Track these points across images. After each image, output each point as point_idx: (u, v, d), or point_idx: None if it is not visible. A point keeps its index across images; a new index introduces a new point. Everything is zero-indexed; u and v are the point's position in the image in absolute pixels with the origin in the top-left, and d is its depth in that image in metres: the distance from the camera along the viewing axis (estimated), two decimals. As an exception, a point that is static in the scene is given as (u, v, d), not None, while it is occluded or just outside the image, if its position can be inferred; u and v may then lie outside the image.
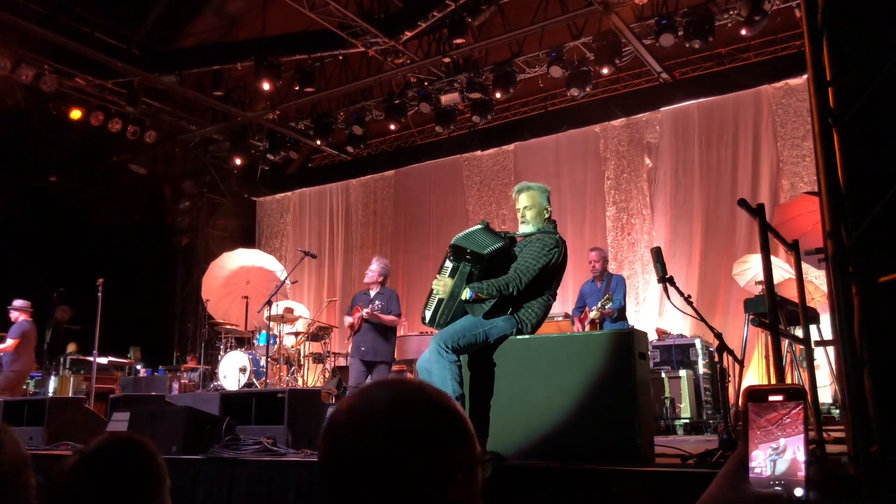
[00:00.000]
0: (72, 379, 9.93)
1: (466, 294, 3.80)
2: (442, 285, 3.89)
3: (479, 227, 4.05)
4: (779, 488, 0.90)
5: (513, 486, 3.23)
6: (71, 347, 11.20)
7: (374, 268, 7.38)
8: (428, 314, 3.98)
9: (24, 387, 10.20)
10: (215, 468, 4.01)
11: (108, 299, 8.22)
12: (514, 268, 3.83)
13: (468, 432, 1.01)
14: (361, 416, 0.98)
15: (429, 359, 3.78)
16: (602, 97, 10.52)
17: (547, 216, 4.12)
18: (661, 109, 10.26)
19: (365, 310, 7.12)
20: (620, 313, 7.05)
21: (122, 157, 12.47)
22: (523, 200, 4.10)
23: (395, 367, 9.73)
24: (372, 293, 7.30)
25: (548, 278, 3.93)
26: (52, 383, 9.78)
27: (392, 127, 11.02)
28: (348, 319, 7.36)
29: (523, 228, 4.09)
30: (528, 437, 3.67)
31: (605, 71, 9.37)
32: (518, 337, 3.94)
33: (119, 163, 12.54)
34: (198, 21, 11.29)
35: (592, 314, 6.96)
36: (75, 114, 10.76)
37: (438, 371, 3.67)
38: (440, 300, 3.91)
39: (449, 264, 3.94)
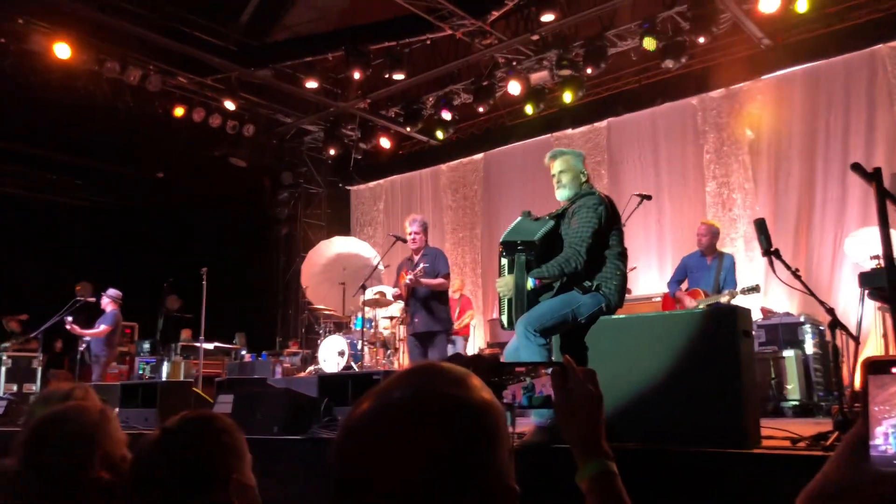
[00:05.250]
0: (182, 364, 10.46)
1: (530, 283, 3.74)
2: (504, 284, 3.84)
3: (520, 218, 3.99)
4: None
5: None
6: (185, 334, 11.80)
7: (415, 229, 6.55)
8: (504, 318, 3.91)
9: (141, 372, 10.84)
10: (314, 448, 4.10)
11: (214, 288, 8.57)
12: (568, 243, 3.73)
13: (496, 435, 0.88)
14: (367, 432, 0.85)
15: (516, 347, 3.71)
16: (698, 67, 10.06)
17: (584, 179, 4.02)
18: (763, 78, 9.74)
19: (408, 277, 6.32)
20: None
21: (222, 151, 12.96)
22: (557, 165, 4.02)
23: (487, 351, 9.73)
24: (416, 257, 6.57)
25: (607, 242, 3.79)
26: (165, 368, 10.33)
27: (480, 109, 10.95)
28: (394, 291, 6.71)
29: (560, 194, 4.01)
30: (627, 420, 3.56)
31: (701, 40, 8.98)
32: (613, 317, 3.83)
33: (220, 157, 13.04)
34: (290, 14, 11.56)
35: (724, 299, 6.73)
36: (178, 111, 11.24)
37: (527, 356, 3.60)
38: (508, 300, 3.83)
39: (504, 261, 3.89)
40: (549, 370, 1.17)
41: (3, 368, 9.57)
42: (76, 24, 9.64)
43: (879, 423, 0.83)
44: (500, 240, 3.92)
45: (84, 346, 9.80)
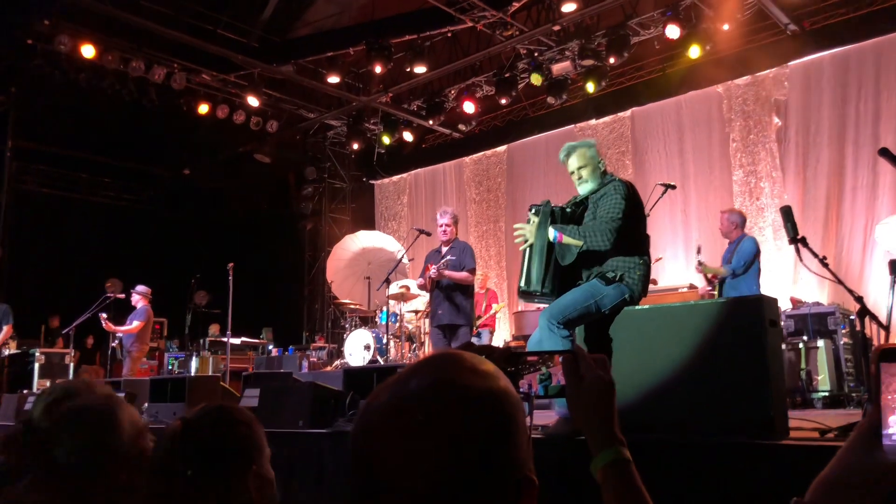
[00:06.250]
0: (211, 359, 10.58)
1: (552, 234, 3.71)
2: (526, 229, 3.82)
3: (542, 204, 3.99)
4: None
5: (635, 462, 3.12)
6: (213, 329, 11.94)
7: (446, 221, 6.56)
8: (522, 280, 3.86)
9: (170, 367, 10.99)
10: (340, 441, 4.12)
11: (242, 283, 8.65)
12: (599, 219, 3.70)
13: (514, 424, 0.86)
14: (384, 421, 0.84)
15: (539, 339, 3.69)
16: (723, 55, 9.91)
17: (602, 169, 3.98)
18: (790, 64, 9.57)
19: (433, 269, 6.36)
20: (750, 277, 6.66)
21: (247, 147, 13.07)
22: (575, 162, 3.96)
23: (513, 343, 9.73)
24: (444, 249, 6.57)
25: (631, 230, 3.75)
26: (194, 363, 10.45)
27: (503, 101, 10.91)
28: (419, 281, 6.78)
29: (584, 188, 3.95)
30: (652, 411, 3.53)
31: (725, 27, 8.85)
32: (638, 308, 3.79)
33: (245, 153, 13.16)
34: (311, 10, 11.61)
35: (698, 264, 6.81)
36: (203, 108, 11.35)
37: (550, 348, 3.57)
38: (530, 247, 3.80)
39: (530, 212, 3.90)
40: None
41: (37, 365, 9.75)
42: (101, 25, 9.77)
43: (893, 412, 0.81)
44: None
45: (116, 341, 9.96)
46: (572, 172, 3.98)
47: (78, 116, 11.50)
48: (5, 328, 9.37)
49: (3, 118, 10.90)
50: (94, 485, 1.51)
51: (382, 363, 8.36)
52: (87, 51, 9.65)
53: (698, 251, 7.05)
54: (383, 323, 9.03)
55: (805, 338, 6.87)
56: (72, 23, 9.66)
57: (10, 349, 10.11)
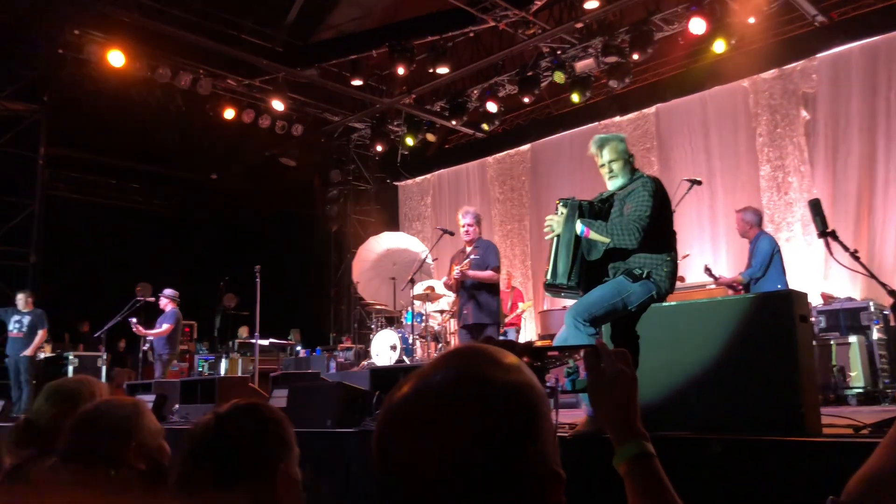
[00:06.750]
0: (240, 360, 10.69)
1: (579, 228, 3.74)
2: (555, 220, 3.85)
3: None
4: None
5: (663, 460, 3.09)
6: (242, 331, 12.07)
7: (469, 221, 6.50)
8: (548, 272, 3.85)
9: (200, 369, 11.12)
10: (367, 440, 4.13)
11: (269, 286, 8.72)
12: (627, 217, 3.67)
13: (539, 417, 0.85)
14: (408, 415, 0.84)
15: (565, 337, 3.66)
16: (749, 49, 9.79)
17: (632, 164, 3.98)
18: (818, 56, 9.42)
19: (456, 269, 6.32)
20: (772, 278, 6.49)
21: (272, 151, 13.17)
22: (607, 155, 3.94)
23: (539, 343, 9.69)
24: (468, 249, 6.54)
25: (659, 227, 3.72)
26: (224, 365, 10.57)
27: (526, 100, 10.88)
28: (445, 280, 6.80)
29: (613, 183, 3.93)
30: (681, 408, 3.50)
31: (751, 20, 8.73)
32: (665, 304, 3.76)
33: (270, 157, 13.26)
34: (334, 13, 11.68)
35: (714, 281, 6.74)
36: (229, 113, 11.46)
37: None
38: (557, 238, 3.83)
39: (558, 204, 3.95)
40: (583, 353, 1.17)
41: (71, 367, 9.94)
42: (129, 33, 9.91)
43: None
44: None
45: (147, 345, 10.10)
46: (602, 165, 3.95)
47: (107, 123, 11.68)
48: (41, 332, 9.53)
49: (35, 127, 11.10)
50: (119, 469, 1.57)
51: (409, 363, 8.38)
52: (116, 59, 9.79)
53: (707, 272, 6.98)
54: (409, 323, 9.05)
55: (837, 333, 6.76)
56: (100, 32, 9.82)
57: (45, 353, 10.31)
